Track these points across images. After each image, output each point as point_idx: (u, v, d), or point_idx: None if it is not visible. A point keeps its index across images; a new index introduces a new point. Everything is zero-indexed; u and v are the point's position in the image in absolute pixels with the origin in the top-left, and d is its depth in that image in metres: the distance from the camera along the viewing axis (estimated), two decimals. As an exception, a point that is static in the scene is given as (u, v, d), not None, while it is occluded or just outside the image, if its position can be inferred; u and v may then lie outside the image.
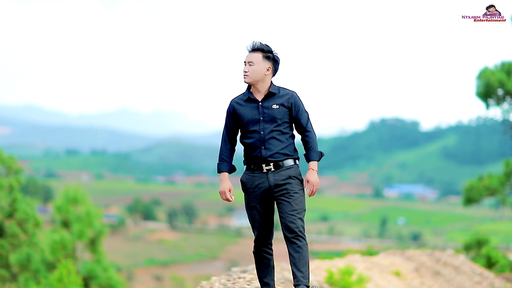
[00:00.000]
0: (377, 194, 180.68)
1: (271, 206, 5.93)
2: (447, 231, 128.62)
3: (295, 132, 5.98)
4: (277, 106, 5.81)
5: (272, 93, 5.84)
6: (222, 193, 6.03)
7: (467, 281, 13.43)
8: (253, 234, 6.02)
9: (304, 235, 5.73)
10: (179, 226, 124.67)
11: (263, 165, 5.83)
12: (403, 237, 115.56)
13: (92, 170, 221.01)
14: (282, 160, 5.80)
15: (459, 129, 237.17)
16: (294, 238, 5.71)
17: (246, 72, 5.82)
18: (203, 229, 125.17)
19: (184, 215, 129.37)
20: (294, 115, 5.85)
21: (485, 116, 22.25)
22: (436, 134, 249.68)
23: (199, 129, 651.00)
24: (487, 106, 20.72)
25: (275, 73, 5.92)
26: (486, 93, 20.23)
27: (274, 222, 6.03)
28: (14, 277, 25.27)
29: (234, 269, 8.87)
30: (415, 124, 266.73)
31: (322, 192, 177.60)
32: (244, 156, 6.00)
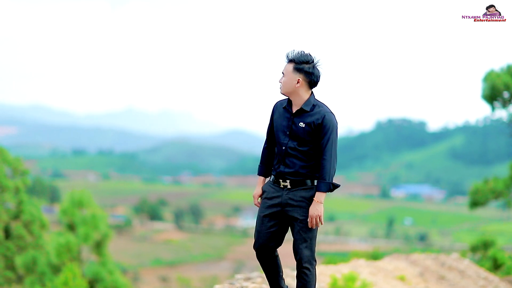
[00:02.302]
0: (384, 194, 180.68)
1: (283, 222, 5.77)
2: (454, 232, 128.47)
3: None
4: (304, 125, 5.61)
5: (304, 110, 5.65)
6: (253, 197, 5.91)
7: (471, 285, 13.39)
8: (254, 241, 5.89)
9: (311, 264, 5.67)
10: (185, 226, 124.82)
11: (280, 181, 5.70)
12: (409, 238, 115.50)
13: (99, 170, 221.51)
14: (300, 180, 5.65)
15: (466, 130, 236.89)
16: (299, 269, 5.69)
17: (280, 82, 5.70)
18: (210, 229, 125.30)
19: (190, 215, 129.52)
20: (318, 135, 5.61)
21: (492, 116, 22.07)
22: (443, 134, 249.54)
23: (206, 129, 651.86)
24: (493, 108, 20.67)
25: (312, 86, 5.68)
26: (492, 96, 20.18)
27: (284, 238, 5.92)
28: (20, 279, 25.33)
29: (238, 276, 8.85)
30: (422, 125, 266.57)
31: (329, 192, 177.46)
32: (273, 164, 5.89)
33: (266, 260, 5.82)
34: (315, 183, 5.68)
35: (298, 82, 5.61)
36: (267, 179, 5.93)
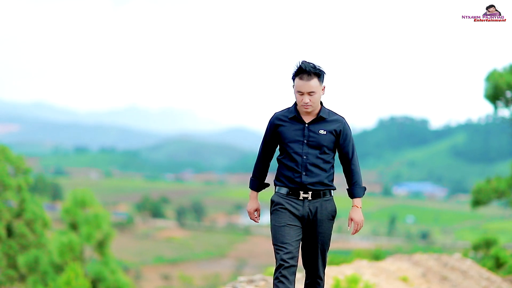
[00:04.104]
0: (386, 192, 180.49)
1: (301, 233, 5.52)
2: (456, 230, 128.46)
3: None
4: (325, 132, 5.41)
5: (321, 118, 5.43)
6: (248, 213, 5.71)
7: (474, 285, 13.39)
8: (277, 259, 5.35)
9: (322, 278, 5.60)
10: (187, 224, 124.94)
11: (301, 192, 5.40)
12: (412, 236, 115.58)
13: (101, 167, 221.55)
14: (321, 190, 5.43)
15: (468, 128, 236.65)
16: (311, 279, 5.61)
17: (307, 103, 5.34)
18: (212, 227, 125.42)
19: (192, 213, 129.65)
20: (341, 143, 5.49)
21: (495, 115, 22.11)
22: (446, 132, 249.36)
23: (208, 126, 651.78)
24: (496, 108, 20.68)
25: None
26: (495, 96, 20.17)
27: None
28: (22, 278, 25.37)
29: (240, 278, 8.84)
30: (424, 122, 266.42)
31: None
32: (278, 176, 5.51)
33: (291, 281, 5.31)
34: (332, 194, 5.56)
35: (323, 90, 5.44)
36: (269, 190, 5.79)
